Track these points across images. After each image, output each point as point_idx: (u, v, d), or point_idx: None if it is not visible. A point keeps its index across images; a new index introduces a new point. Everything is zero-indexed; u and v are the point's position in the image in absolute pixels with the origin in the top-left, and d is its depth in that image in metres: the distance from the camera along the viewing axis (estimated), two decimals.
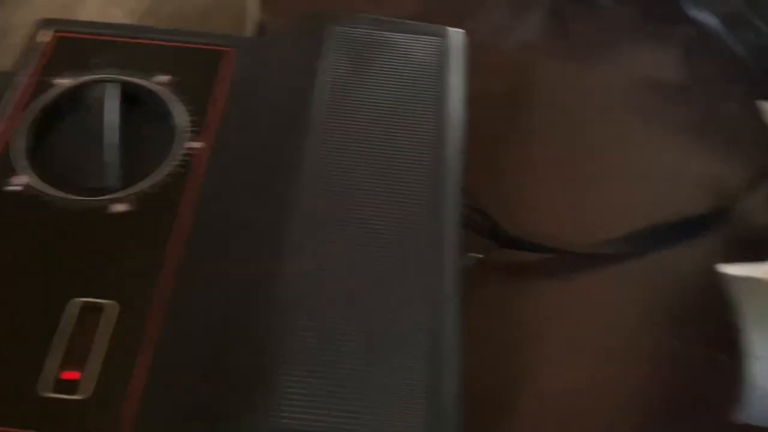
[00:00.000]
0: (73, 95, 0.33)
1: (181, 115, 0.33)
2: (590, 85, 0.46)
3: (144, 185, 0.30)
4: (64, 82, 0.33)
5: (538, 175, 0.41)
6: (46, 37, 0.35)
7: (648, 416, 0.34)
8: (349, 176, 0.30)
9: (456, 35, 0.35)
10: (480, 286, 0.36)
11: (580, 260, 0.38)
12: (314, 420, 0.23)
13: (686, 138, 0.44)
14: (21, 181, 0.30)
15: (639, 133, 0.44)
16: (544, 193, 0.40)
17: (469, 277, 0.35)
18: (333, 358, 0.25)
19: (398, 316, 0.26)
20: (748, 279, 0.28)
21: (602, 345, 0.35)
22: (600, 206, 0.40)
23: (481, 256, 0.35)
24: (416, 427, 0.24)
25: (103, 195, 0.30)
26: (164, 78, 0.34)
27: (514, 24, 0.48)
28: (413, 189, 0.30)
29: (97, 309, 0.27)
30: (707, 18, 0.46)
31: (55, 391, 0.25)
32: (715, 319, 0.34)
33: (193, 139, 0.32)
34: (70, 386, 0.25)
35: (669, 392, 0.34)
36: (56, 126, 0.33)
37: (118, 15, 0.45)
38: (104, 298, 0.27)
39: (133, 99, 0.33)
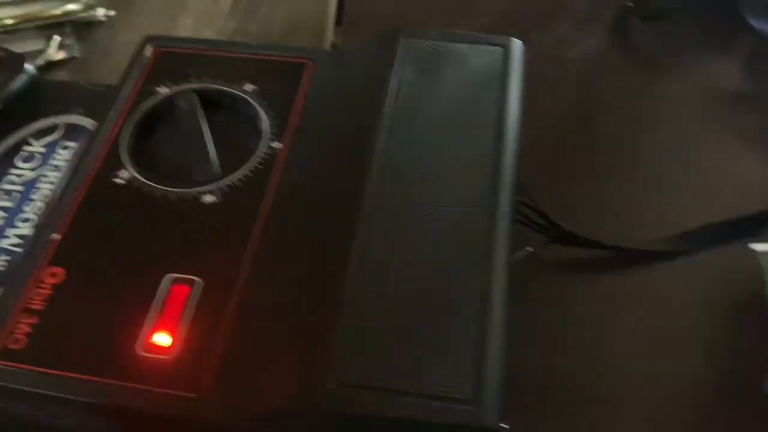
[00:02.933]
0: (171, 102, 0.37)
1: (264, 120, 0.37)
2: (653, 94, 0.47)
3: (230, 179, 0.34)
4: (164, 90, 0.38)
5: (598, 178, 0.43)
6: (149, 51, 0.39)
7: (704, 406, 0.35)
8: (413, 173, 0.33)
9: (515, 44, 0.37)
10: (534, 280, 0.39)
11: (635, 257, 0.39)
12: (373, 377, 0.27)
13: (748, 145, 0.45)
14: (127, 174, 0.35)
15: (701, 140, 0.45)
16: (603, 195, 0.43)
17: (523, 268, 0.38)
18: (392, 323, 0.28)
19: (452, 286, 0.29)
20: None
21: (656, 338, 0.37)
22: (658, 209, 0.41)
23: (531, 249, 0.37)
24: (464, 386, 0.26)
25: (196, 188, 0.34)
26: (251, 87, 0.38)
27: (579, 37, 0.50)
28: (471, 184, 0.32)
29: (188, 283, 0.31)
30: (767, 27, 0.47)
31: (149, 352, 0.29)
32: None
33: (273, 141, 0.36)
34: (162, 348, 0.29)
35: (725, 381, 0.36)
36: (156, 128, 0.37)
37: (208, 34, 0.50)
38: (193, 275, 0.31)
39: (223, 106, 0.38)
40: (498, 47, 0.37)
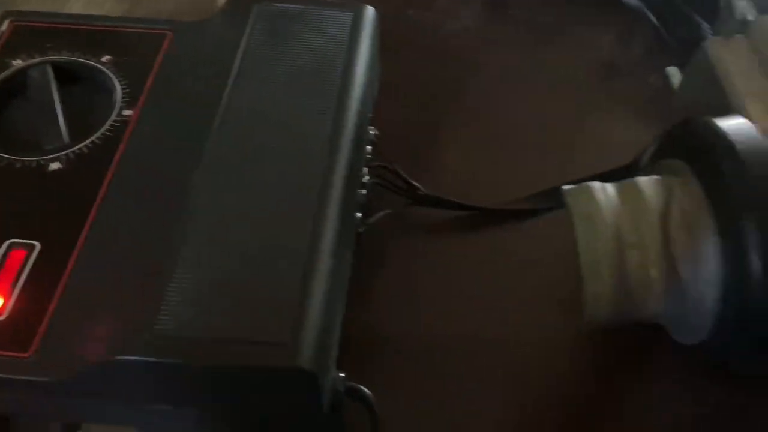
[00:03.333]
0: (24, 74, 0.37)
1: (118, 89, 0.37)
2: (529, 66, 0.48)
3: (78, 147, 0.34)
4: (18, 63, 0.38)
5: (470, 144, 0.44)
6: (5, 26, 0.39)
7: (562, 359, 0.36)
8: (253, 131, 0.33)
9: (367, 10, 0.38)
10: (395, 241, 0.39)
11: (499, 217, 0.40)
12: (191, 326, 0.27)
13: (615, 110, 0.46)
14: None
15: (573, 107, 0.46)
16: (473, 160, 0.43)
17: (385, 230, 0.38)
18: (219, 274, 0.28)
19: (282, 236, 0.29)
20: (577, 187, 0.30)
21: (516, 295, 0.38)
22: (519, 172, 0.42)
23: (389, 211, 0.38)
24: (281, 331, 0.27)
25: (42, 156, 0.34)
26: (108, 58, 0.38)
27: (458, 11, 0.51)
28: (310, 139, 0.33)
29: (25, 248, 0.31)
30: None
31: None
32: None
33: (125, 109, 0.36)
34: None
35: (582, 336, 0.36)
36: (9, 101, 0.37)
37: None
38: (32, 240, 0.31)
39: (79, 77, 0.38)
40: (349, 13, 0.38)
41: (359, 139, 0.35)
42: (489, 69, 0.48)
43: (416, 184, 0.39)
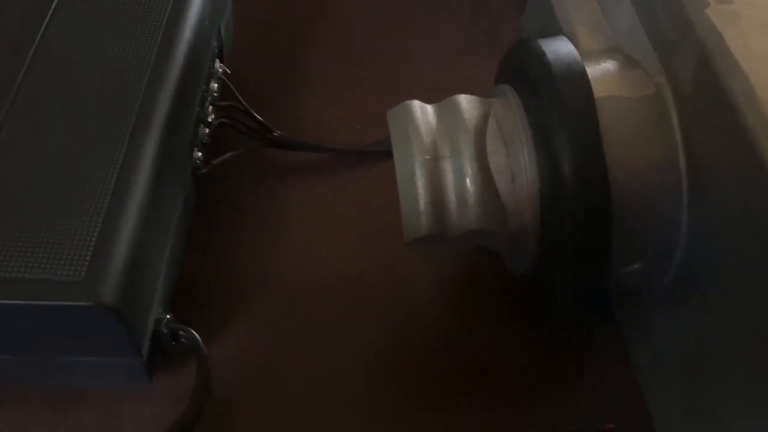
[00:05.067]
0: None
1: None
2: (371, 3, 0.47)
3: None
4: None
5: (322, 87, 0.43)
6: None
7: (415, 298, 0.35)
8: (77, 54, 0.32)
9: None
10: (247, 182, 0.38)
11: (349, 159, 0.39)
12: None
13: (482, 51, 0.45)
14: None
15: (438, 49, 0.45)
16: (327, 104, 0.42)
17: (233, 172, 0.37)
18: (17, 208, 0.27)
19: (83, 177, 0.28)
20: (397, 106, 0.29)
21: (366, 237, 0.37)
22: (371, 112, 0.41)
23: (238, 152, 0.36)
24: (78, 267, 0.26)
25: None
26: None
27: None
28: (130, 78, 0.31)
29: None
30: None
31: None
32: None
33: None
34: None
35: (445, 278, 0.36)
36: None
37: None
38: None
39: None
40: None
41: (194, 75, 0.33)
42: (343, 10, 0.47)
43: (269, 125, 0.38)
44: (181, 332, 0.30)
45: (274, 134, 0.38)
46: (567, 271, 0.27)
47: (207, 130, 0.35)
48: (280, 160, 0.39)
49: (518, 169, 0.27)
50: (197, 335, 0.30)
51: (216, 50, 0.37)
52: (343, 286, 0.35)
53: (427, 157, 0.27)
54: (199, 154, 0.34)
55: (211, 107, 0.36)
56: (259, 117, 0.38)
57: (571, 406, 0.32)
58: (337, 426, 0.31)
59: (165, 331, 0.29)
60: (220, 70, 0.37)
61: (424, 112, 0.29)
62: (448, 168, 0.27)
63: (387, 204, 0.37)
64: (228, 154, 0.36)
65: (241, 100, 0.37)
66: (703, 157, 0.25)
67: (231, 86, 0.38)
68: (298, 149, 0.39)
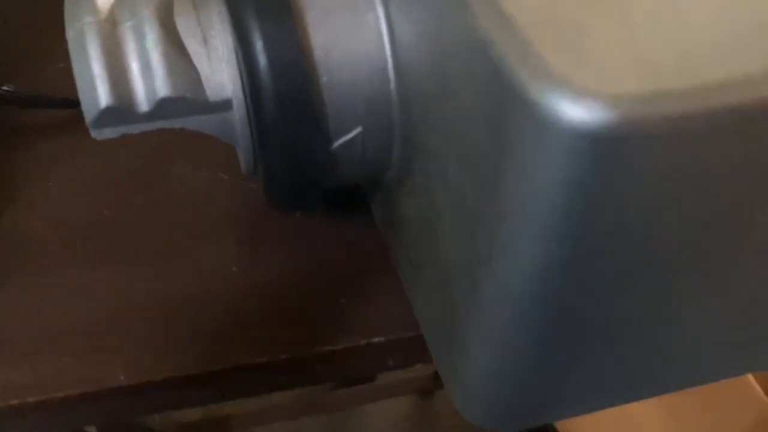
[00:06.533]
0: None
1: None
2: None
3: None
4: None
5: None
6: None
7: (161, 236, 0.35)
8: None
9: None
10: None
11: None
12: None
13: None
14: None
15: None
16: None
17: None
18: None
19: None
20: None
21: (112, 181, 0.37)
22: None
23: None
24: None
25: None
26: None
27: None
28: None
29: None
30: None
31: None
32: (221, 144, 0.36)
33: None
34: None
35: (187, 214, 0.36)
36: None
37: None
38: None
39: None
40: None
41: None
42: None
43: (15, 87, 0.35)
44: None
45: (19, 93, 0.36)
46: (277, 151, 0.26)
47: None
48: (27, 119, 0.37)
49: (211, 31, 0.25)
50: None
51: None
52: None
53: (102, 19, 0.24)
54: None
55: None
56: None
57: (345, 322, 0.33)
58: None
59: None
60: None
61: None
62: (129, 33, 0.25)
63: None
64: None
65: None
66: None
67: None
68: (39, 106, 0.37)
